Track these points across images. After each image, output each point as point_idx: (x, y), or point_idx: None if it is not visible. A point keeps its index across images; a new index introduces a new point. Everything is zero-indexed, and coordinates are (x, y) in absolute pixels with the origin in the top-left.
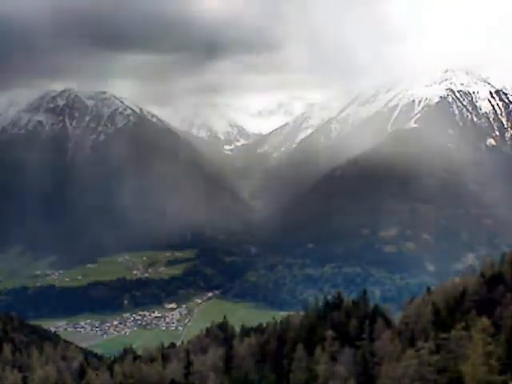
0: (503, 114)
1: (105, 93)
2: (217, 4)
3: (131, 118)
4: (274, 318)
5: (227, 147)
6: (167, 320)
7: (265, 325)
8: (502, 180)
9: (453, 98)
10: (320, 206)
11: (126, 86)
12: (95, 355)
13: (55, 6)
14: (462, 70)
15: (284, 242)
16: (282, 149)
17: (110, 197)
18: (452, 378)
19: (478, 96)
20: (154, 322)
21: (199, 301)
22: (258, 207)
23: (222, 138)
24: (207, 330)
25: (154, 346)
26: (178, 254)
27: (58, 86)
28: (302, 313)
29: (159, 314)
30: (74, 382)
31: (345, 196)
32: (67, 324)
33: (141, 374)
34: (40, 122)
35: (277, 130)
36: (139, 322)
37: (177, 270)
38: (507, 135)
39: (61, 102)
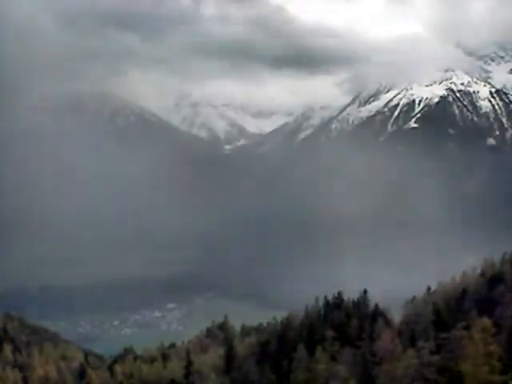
0: (503, 114)
1: None
2: None
3: None
4: (274, 318)
5: (227, 147)
6: (167, 320)
7: (265, 325)
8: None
9: (453, 98)
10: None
11: None
12: (95, 355)
13: None
14: (461, 70)
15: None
16: (282, 149)
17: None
18: (452, 378)
19: (478, 96)
20: (154, 322)
21: (199, 301)
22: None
23: (222, 137)
24: (207, 330)
25: (154, 346)
26: (179, 254)
27: None
28: (302, 313)
29: (159, 314)
30: (74, 382)
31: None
32: (67, 324)
33: (141, 374)
34: None
35: (277, 129)
36: (139, 322)
37: (177, 270)
38: (507, 135)
39: None
